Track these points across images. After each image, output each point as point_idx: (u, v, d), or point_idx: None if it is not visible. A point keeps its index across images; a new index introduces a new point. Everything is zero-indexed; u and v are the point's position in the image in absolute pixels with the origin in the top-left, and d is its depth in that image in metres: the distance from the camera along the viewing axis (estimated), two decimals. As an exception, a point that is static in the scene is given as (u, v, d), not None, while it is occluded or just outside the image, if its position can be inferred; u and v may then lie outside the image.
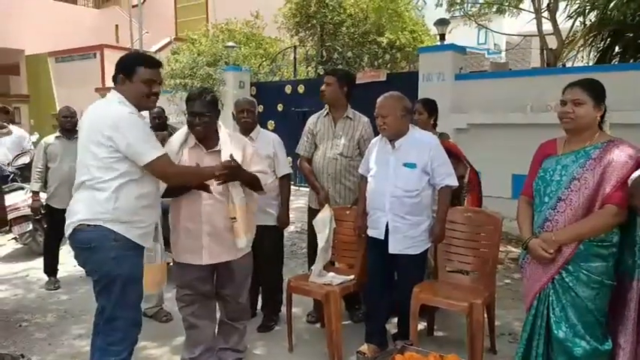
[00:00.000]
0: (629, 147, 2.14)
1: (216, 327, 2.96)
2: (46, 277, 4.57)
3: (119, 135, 2.19)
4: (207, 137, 2.70)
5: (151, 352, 3.18)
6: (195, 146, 2.73)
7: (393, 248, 2.94)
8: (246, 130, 3.44)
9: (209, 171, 2.52)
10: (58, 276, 4.61)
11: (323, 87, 3.49)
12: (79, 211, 2.26)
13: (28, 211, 5.16)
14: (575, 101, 2.18)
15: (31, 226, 5.31)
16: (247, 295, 2.98)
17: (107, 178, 2.22)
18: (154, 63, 2.38)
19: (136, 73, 2.29)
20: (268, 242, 3.38)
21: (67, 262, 5.13)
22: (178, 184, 2.58)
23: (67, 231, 2.30)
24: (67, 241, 2.45)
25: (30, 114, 15.22)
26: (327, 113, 3.58)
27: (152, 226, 2.46)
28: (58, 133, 4.55)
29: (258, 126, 3.50)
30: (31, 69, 15.45)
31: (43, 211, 4.66)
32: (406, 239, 2.92)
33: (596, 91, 2.19)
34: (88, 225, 2.23)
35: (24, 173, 5.96)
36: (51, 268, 4.57)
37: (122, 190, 2.24)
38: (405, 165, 2.90)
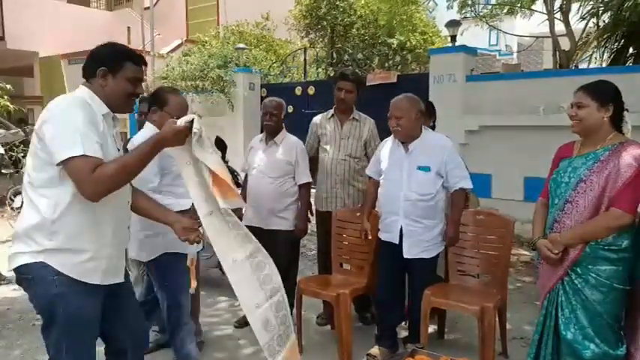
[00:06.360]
0: (638, 148, 2.10)
1: None
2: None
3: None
4: None
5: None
6: None
7: (408, 252, 2.92)
8: (268, 133, 3.43)
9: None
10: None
11: (343, 94, 3.45)
12: None
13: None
14: (578, 104, 2.20)
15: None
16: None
17: None
18: (141, 59, 1.98)
19: (123, 68, 1.90)
20: (282, 246, 3.36)
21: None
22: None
23: None
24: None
25: (43, 115, 15.39)
26: (333, 115, 3.57)
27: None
28: None
29: (284, 130, 3.46)
30: (44, 71, 15.60)
31: None
32: (420, 243, 2.90)
33: (599, 93, 2.17)
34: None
35: None
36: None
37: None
38: (419, 168, 2.89)
